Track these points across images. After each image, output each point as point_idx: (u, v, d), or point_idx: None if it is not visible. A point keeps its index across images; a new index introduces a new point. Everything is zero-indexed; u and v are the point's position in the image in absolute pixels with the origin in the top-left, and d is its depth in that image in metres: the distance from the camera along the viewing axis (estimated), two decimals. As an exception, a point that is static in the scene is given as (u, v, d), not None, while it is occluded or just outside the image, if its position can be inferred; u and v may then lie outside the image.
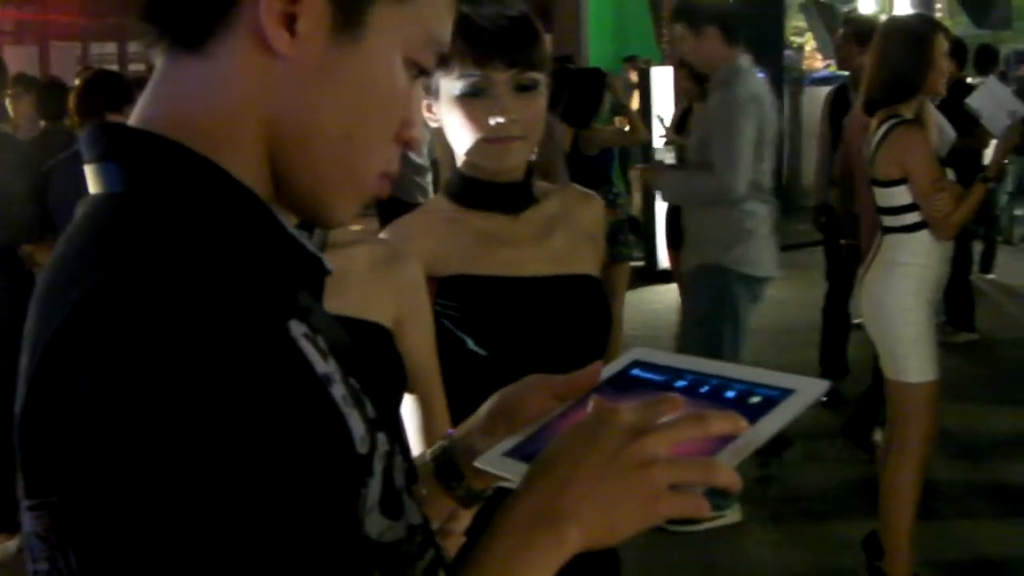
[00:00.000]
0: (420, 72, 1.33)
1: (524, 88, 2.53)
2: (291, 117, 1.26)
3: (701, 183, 6.19)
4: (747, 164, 6.02)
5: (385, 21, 1.27)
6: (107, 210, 1.23)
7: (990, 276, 12.25)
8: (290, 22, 1.22)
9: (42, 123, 9.04)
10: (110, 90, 6.54)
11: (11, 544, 5.91)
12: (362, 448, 1.24)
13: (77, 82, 7.06)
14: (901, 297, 5.33)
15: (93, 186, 1.27)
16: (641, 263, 13.48)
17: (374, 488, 1.25)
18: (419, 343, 2.38)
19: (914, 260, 5.33)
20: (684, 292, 9.10)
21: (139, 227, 1.18)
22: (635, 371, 1.57)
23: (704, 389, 1.47)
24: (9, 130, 8.92)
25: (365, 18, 1.25)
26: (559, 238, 2.72)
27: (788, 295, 12.42)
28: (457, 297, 2.54)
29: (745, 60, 6.27)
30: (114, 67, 16.08)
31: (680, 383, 1.50)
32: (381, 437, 1.28)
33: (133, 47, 20.81)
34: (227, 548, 1.05)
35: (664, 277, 12.57)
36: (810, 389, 1.41)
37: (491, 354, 2.54)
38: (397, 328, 2.31)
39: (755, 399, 1.42)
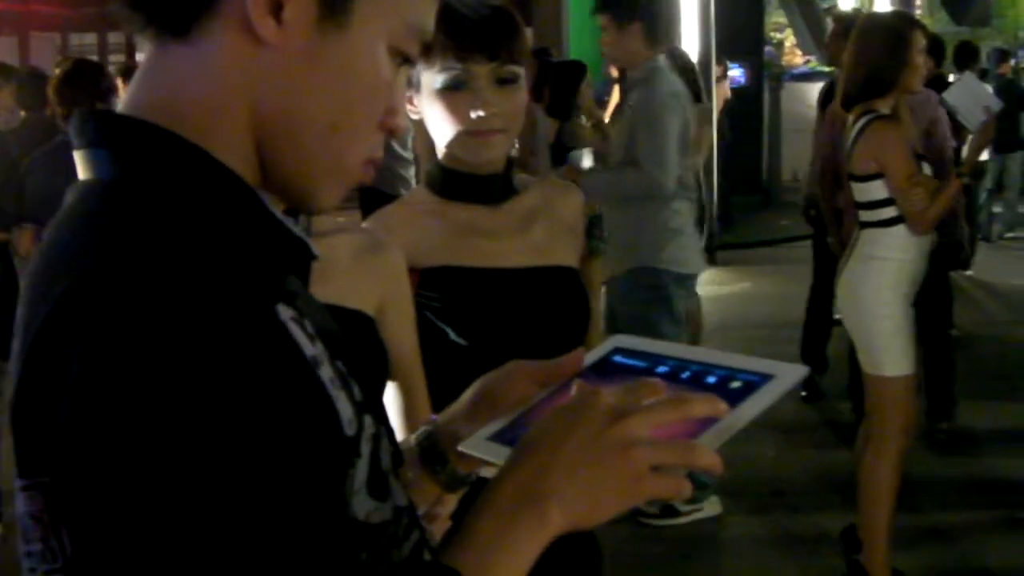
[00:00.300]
0: (404, 61, 1.35)
1: (504, 81, 2.55)
2: (277, 104, 1.27)
3: (629, 181, 6.10)
4: (674, 160, 5.98)
5: (370, 10, 1.28)
6: (96, 196, 1.24)
7: (968, 272, 12.29)
8: (276, 10, 1.23)
9: (22, 113, 9.04)
10: (92, 79, 6.54)
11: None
12: (349, 430, 1.25)
13: (56, 72, 7.05)
14: (878, 291, 5.36)
15: (82, 172, 1.28)
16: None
17: (361, 469, 1.27)
18: (401, 331, 2.40)
19: (891, 255, 5.36)
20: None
21: (128, 213, 1.19)
22: (617, 357, 1.58)
23: (685, 375, 1.48)
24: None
25: (350, 6, 1.27)
26: (539, 230, 2.74)
27: (769, 290, 12.51)
28: (438, 288, 2.55)
29: (662, 59, 6.26)
30: (94, 57, 16.05)
31: (662, 369, 1.51)
32: (368, 419, 1.30)
33: (113, 38, 20.78)
34: (216, 527, 1.07)
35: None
36: (789, 374, 1.42)
37: (472, 344, 2.56)
38: (379, 316, 2.33)
39: (736, 384, 1.43)
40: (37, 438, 1.12)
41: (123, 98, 1.31)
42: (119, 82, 8.10)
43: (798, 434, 7.43)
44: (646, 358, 1.56)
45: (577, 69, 9.37)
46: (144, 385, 1.06)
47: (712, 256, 12.18)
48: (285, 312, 1.22)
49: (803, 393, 8.02)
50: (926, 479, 6.75)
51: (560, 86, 8.77)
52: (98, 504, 1.07)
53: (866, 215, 5.46)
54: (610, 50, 6.36)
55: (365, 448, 1.29)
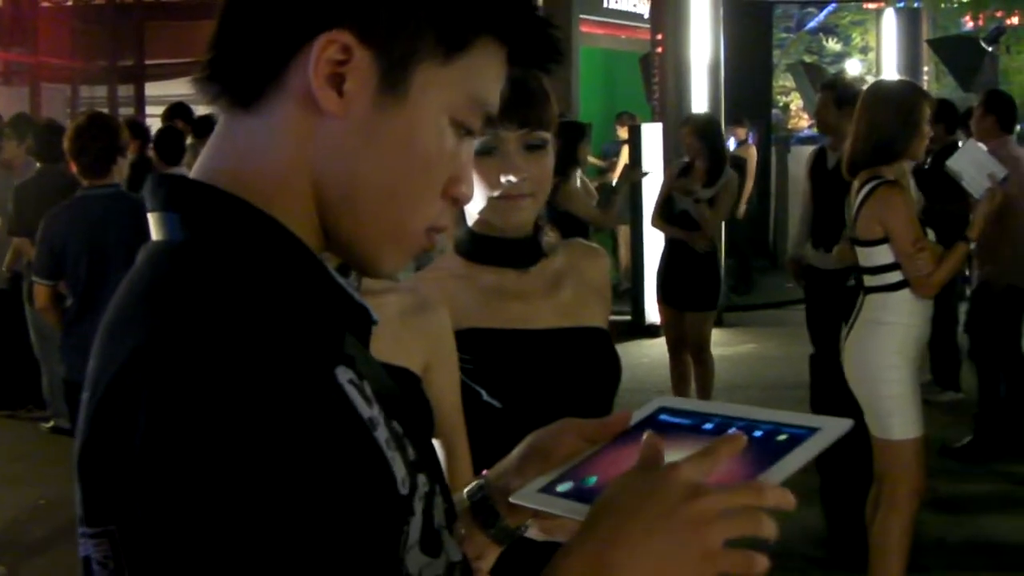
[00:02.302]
0: (467, 132, 1.38)
1: (533, 147, 2.60)
2: (338, 172, 1.32)
3: None
4: None
5: (429, 83, 1.32)
6: (167, 257, 1.30)
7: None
8: (338, 83, 1.28)
9: (37, 164, 9.09)
10: (107, 133, 6.55)
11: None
12: (403, 489, 1.29)
13: (71, 124, 7.10)
14: (885, 356, 5.40)
15: (155, 234, 1.33)
16: (628, 318, 13.54)
17: (415, 527, 1.31)
18: (445, 390, 2.44)
19: (896, 319, 5.41)
20: (680, 346, 9.20)
21: (197, 275, 1.25)
22: (663, 416, 1.61)
23: (732, 431, 1.49)
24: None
25: (409, 79, 1.31)
26: (567, 291, 2.77)
27: (776, 352, 12.52)
28: (470, 350, 2.58)
29: None
30: (104, 109, 16.14)
31: (707, 426, 1.54)
32: (422, 478, 1.34)
33: (123, 90, 20.86)
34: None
35: (650, 332, 12.62)
36: (835, 427, 1.45)
37: (504, 405, 2.59)
38: (425, 375, 2.38)
39: (782, 437, 1.45)
40: (104, 488, 1.17)
41: (196, 164, 1.36)
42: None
43: (807, 496, 7.44)
44: (692, 416, 1.58)
45: (576, 130, 9.42)
46: (209, 442, 1.11)
47: (720, 318, 12.22)
48: (344, 375, 1.27)
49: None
50: (933, 540, 6.75)
51: (559, 146, 8.82)
52: (163, 552, 1.12)
53: (871, 280, 5.51)
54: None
55: (418, 506, 1.32)
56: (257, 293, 1.24)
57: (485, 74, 1.38)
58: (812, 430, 1.45)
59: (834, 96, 7.98)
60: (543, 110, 2.61)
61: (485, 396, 2.59)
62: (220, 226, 1.29)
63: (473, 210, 2.65)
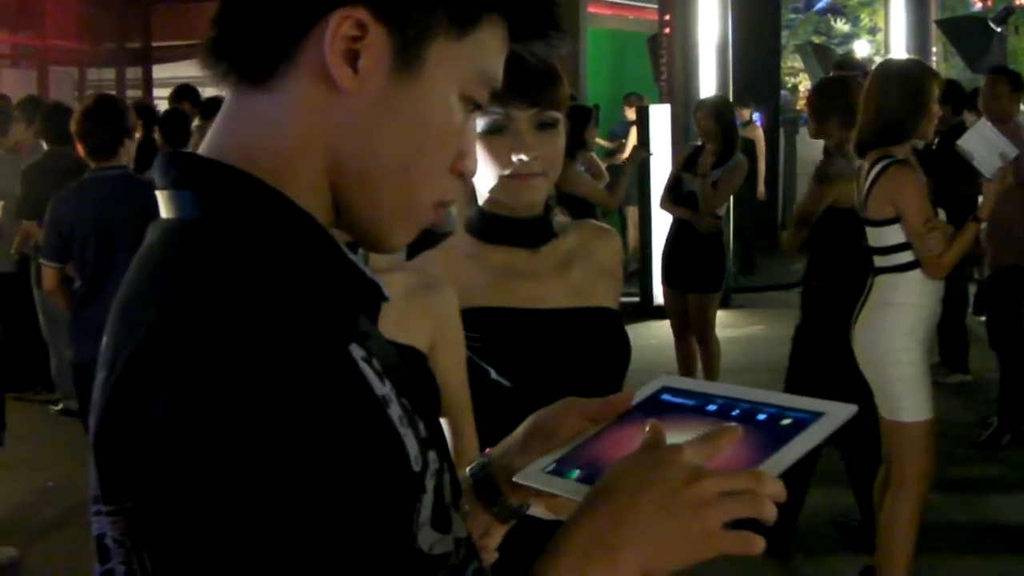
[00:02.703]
0: (475, 107, 1.40)
1: (545, 126, 2.60)
2: (352, 149, 1.33)
3: None
4: None
5: (442, 58, 1.33)
6: (180, 235, 1.30)
7: (983, 318, 12.28)
8: (353, 59, 1.29)
9: (45, 146, 9.10)
10: (114, 116, 6.54)
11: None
12: (416, 466, 1.31)
13: (78, 107, 7.10)
14: (895, 338, 5.39)
15: (165, 211, 1.34)
16: (636, 299, 13.54)
17: (427, 504, 1.32)
18: (452, 369, 2.45)
19: (907, 300, 5.39)
20: (684, 328, 9.19)
21: (212, 253, 1.25)
22: (665, 396, 1.62)
23: (735, 412, 1.51)
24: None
25: (423, 55, 1.32)
26: (577, 272, 2.78)
27: (782, 333, 12.47)
28: (479, 328, 2.59)
29: None
30: (112, 92, 16.15)
31: (711, 407, 1.55)
32: (432, 455, 1.35)
33: (131, 73, 20.86)
34: (293, 554, 1.12)
35: (659, 313, 12.60)
36: (839, 412, 1.45)
37: (513, 383, 2.60)
38: (431, 353, 2.39)
39: (786, 421, 1.46)
40: (122, 466, 1.18)
41: (204, 141, 1.37)
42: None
43: (815, 476, 7.44)
44: (695, 397, 1.59)
45: (583, 113, 9.40)
46: (227, 420, 1.12)
47: (726, 299, 12.21)
48: (357, 352, 1.28)
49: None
50: (941, 523, 6.76)
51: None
52: (180, 528, 1.13)
53: (881, 260, 5.49)
54: None
55: (430, 483, 1.34)
56: (272, 271, 1.25)
57: (491, 49, 1.39)
58: (816, 415, 1.46)
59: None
60: (555, 90, 2.61)
61: (494, 375, 2.60)
62: (233, 204, 1.29)
63: (484, 189, 2.66)
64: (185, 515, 1.12)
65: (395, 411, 1.30)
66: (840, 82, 7.02)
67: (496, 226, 2.72)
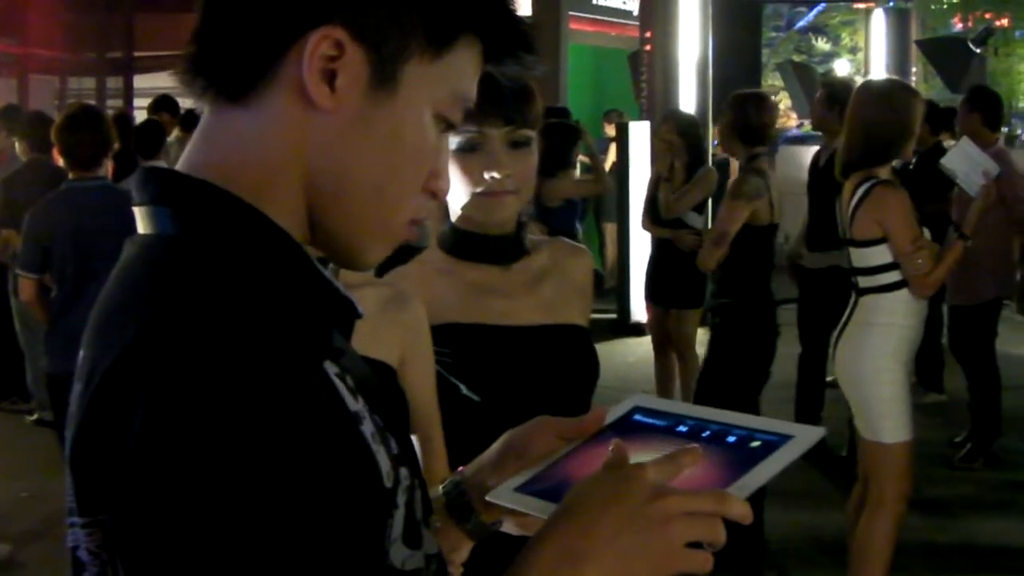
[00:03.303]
0: (448, 127, 1.41)
1: (518, 144, 2.62)
2: (328, 166, 1.34)
3: None
4: None
5: (417, 78, 1.35)
6: (158, 251, 1.31)
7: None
8: (330, 78, 1.30)
9: (26, 155, 9.08)
10: (93, 126, 6.54)
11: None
12: (388, 483, 1.32)
13: (58, 116, 7.10)
14: (877, 358, 5.41)
15: (142, 227, 1.34)
16: (614, 316, 13.55)
17: (398, 520, 1.33)
18: (421, 384, 2.45)
19: (891, 320, 5.42)
20: (665, 345, 9.22)
21: (189, 269, 1.26)
22: (637, 416, 1.63)
23: (705, 434, 1.53)
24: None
25: (399, 75, 1.34)
26: (548, 289, 2.80)
27: (760, 351, 12.51)
28: (450, 344, 2.60)
29: None
30: (92, 101, 16.13)
31: (681, 428, 1.56)
32: (404, 472, 1.36)
33: (112, 82, 20.82)
34: (266, 570, 1.13)
35: (636, 330, 12.62)
36: (807, 435, 1.47)
37: (483, 399, 2.61)
38: (400, 368, 2.39)
39: (755, 443, 1.48)
40: (99, 479, 1.18)
41: (183, 157, 1.38)
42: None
43: (788, 494, 7.45)
44: (666, 417, 1.60)
45: (569, 132, 9.41)
46: (203, 436, 1.13)
47: (703, 317, 12.23)
48: (331, 368, 1.29)
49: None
50: (914, 542, 6.77)
51: (550, 145, 8.83)
52: (156, 542, 1.14)
53: (865, 281, 5.51)
54: None
55: (401, 499, 1.34)
56: (249, 288, 1.26)
57: (466, 70, 1.41)
58: (785, 437, 1.47)
59: (827, 95, 8.04)
60: (529, 108, 2.63)
61: (464, 390, 2.61)
62: (210, 221, 1.30)
63: (457, 206, 2.67)
64: (161, 529, 1.13)
65: (368, 427, 1.30)
66: (745, 99, 7.11)
67: (468, 243, 2.74)
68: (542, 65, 1.49)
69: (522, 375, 2.67)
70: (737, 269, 6.70)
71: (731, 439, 1.50)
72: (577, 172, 11.48)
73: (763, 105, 7.04)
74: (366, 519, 1.27)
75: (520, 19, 1.46)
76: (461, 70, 1.40)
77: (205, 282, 1.24)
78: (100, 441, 1.18)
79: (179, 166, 1.36)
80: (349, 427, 1.27)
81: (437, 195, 1.43)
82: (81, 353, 1.31)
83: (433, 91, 1.37)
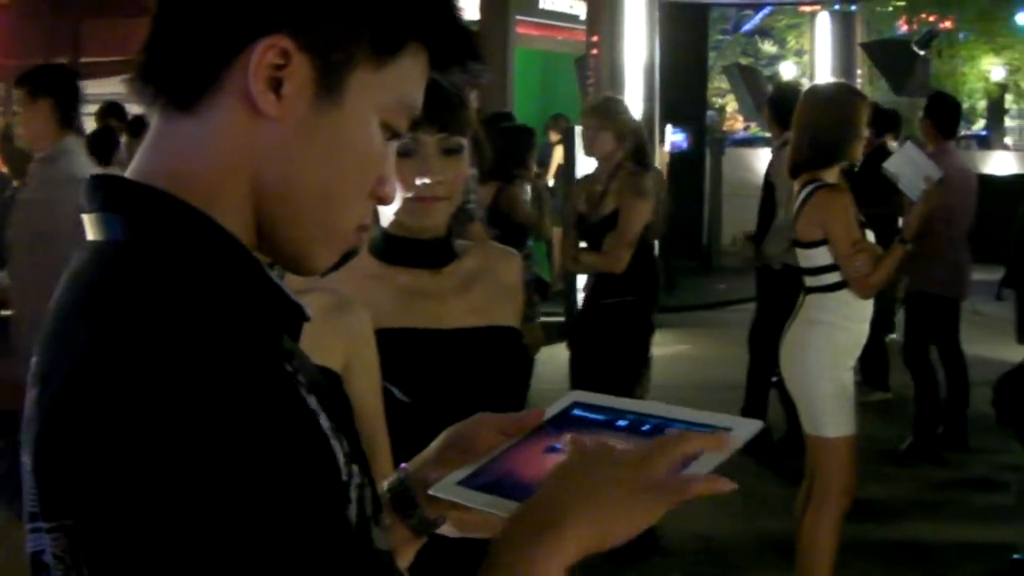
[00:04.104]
0: (393, 135, 1.44)
1: (450, 151, 2.66)
2: (275, 173, 1.36)
3: None
4: None
5: (363, 86, 1.37)
6: (109, 256, 1.32)
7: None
8: (276, 86, 1.32)
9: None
10: None
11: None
12: (344, 476, 1.36)
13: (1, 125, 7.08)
14: (821, 355, 5.48)
15: (92, 234, 1.36)
16: (561, 319, 13.56)
17: (351, 515, 1.36)
18: (366, 389, 2.46)
19: (834, 319, 5.48)
20: None
21: (143, 274, 1.28)
22: (576, 411, 1.66)
23: (645, 427, 1.56)
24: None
25: (345, 83, 1.36)
26: (479, 292, 2.83)
27: (708, 353, 12.62)
28: (383, 349, 2.60)
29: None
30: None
31: (621, 423, 1.59)
32: (355, 468, 1.40)
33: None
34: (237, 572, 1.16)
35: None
36: (746, 428, 1.50)
37: (416, 402, 2.65)
38: (345, 374, 2.40)
39: None
40: (64, 483, 1.20)
41: (132, 164, 1.39)
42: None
43: (736, 494, 7.49)
44: (605, 412, 1.64)
45: (522, 134, 9.42)
46: (170, 439, 1.15)
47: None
48: (287, 368, 1.32)
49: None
50: (857, 541, 6.83)
51: (505, 150, 8.83)
52: (122, 545, 1.15)
53: (811, 280, 5.59)
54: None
55: (353, 495, 1.38)
56: (201, 292, 1.27)
57: (412, 78, 1.43)
58: (724, 430, 1.50)
59: (771, 99, 8.15)
60: (461, 115, 2.66)
61: (398, 394, 2.64)
62: (160, 226, 1.31)
63: (388, 211, 2.70)
64: (127, 529, 1.15)
65: (325, 422, 1.34)
66: (609, 101, 7.25)
67: (399, 248, 2.77)
68: (488, 73, 1.52)
69: (454, 377, 2.70)
70: (638, 266, 6.85)
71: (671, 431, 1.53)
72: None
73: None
74: (331, 511, 1.29)
75: (467, 27, 1.48)
76: (407, 78, 1.42)
77: (158, 287, 1.26)
78: (64, 447, 1.19)
79: (129, 173, 1.38)
80: (311, 422, 1.31)
81: (383, 201, 1.45)
82: (34, 358, 1.32)
83: (379, 99, 1.39)
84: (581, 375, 6.95)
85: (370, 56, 1.37)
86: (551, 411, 1.67)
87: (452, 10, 1.46)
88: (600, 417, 1.63)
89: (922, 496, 7.98)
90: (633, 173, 6.89)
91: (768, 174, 8.70)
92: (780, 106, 8.45)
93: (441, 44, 1.44)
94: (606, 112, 6.98)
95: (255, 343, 1.28)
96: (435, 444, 1.72)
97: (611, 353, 6.88)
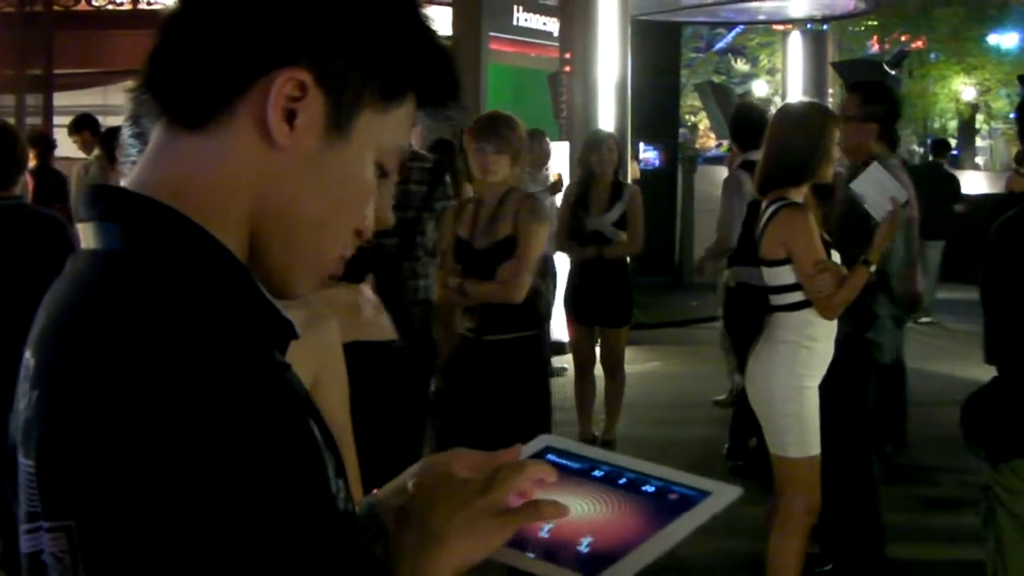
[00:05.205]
0: (382, 174, 1.50)
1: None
2: (276, 200, 1.40)
3: None
4: None
5: (368, 126, 1.43)
6: (106, 264, 1.35)
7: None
8: (290, 117, 1.36)
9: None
10: (6, 145, 6.47)
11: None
12: (332, 488, 1.39)
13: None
14: (784, 375, 5.49)
15: (89, 242, 1.38)
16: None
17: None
18: (334, 403, 2.48)
19: (797, 339, 5.49)
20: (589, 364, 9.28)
21: (139, 281, 1.30)
22: (550, 456, 1.67)
23: (622, 481, 1.57)
24: None
25: (353, 122, 1.41)
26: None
27: (679, 370, 12.62)
28: None
29: None
30: (11, 119, 15.96)
31: (597, 473, 1.60)
32: (341, 483, 1.43)
33: (31, 100, 20.63)
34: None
35: (557, 348, 12.65)
36: (725, 493, 1.53)
37: None
38: (313, 389, 2.41)
39: (673, 496, 1.52)
40: (65, 486, 1.21)
41: (132, 174, 1.42)
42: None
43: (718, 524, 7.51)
44: (578, 460, 1.64)
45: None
46: (171, 441, 1.18)
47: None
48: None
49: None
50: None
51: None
52: (122, 547, 1.18)
53: (775, 299, 5.60)
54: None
55: (340, 507, 1.41)
56: (197, 303, 1.30)
57: (406, 123, 1.50)
58: (703, 493, 1.52)
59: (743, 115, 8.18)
60: None
61: None
62: (159, 238, 1.34)
63: None
64: (129, 534, 1.17)
65: (316, 434, 1.37)
66: (502, 120, 6.55)
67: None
68: (462, 109, 1.56)
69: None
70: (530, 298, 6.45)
71: (648, 488, 1.54)
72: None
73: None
74: (328, 518, 1.34)
75: (458, 77, 1.54)
76: (403, 123, 1.48)
77: (159, 295, 1.28)
78: (67, 450, 1.21)
79: (128, 184, 1.41)
80: (306, 430, 1.34)
81: (362, 235, 1.50)
82: (26, 356, 1.35)
83: (378, 140, 1.45)
84: (461, 412, 6.44)
85: (378, 99, 1.43)
86: (525, 452, 1.68)
87: (450, 62, 1.52)
88: (575, 465, 1.64)
89: (890, 515, 7.98)
90: (528, 195, 6.52)
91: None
92: (738, 126, 8.46)
93: (433, 89, 1.51)
94: (502, 135, 6.35)
95: (250, 349, 1.31)
96: (408, 473, 1.73)
97: (510, 391, 6.34)
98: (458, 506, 1.47)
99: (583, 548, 1.46)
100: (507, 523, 1.47)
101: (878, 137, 6.96)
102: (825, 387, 5.56)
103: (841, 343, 5.65)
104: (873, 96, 7.05)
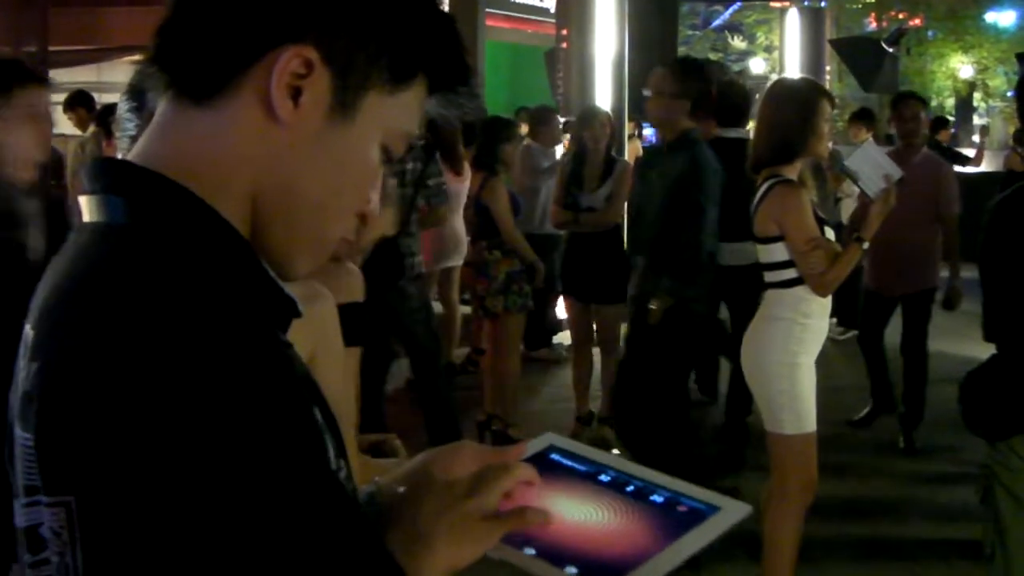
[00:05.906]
0: (388, 158, 1.48)
1: None
2: (278, 178, 1.40)
3: None
4: None
5: (374, 108, 1.42)
6: (110, 238, 1.35)
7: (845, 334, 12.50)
8: (295, 94, 1.36)
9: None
10: None
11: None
12: (334, 467, 1.39)
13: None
14: (778, 351, 5.49)
15: (92, 215, 1.38)
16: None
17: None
18: (332, 380, 2.48)
19: (791, 315, 5.49)
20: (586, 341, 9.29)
21: (143, 255, 1.30)
22: (554, 455, 1.67)
23: (630, 488, 1.56)
24: None
25: (359, 103, 1.41)
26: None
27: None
28: None
29: None
30: None
31: (604, 477, 1.59)
32: (342, 463, 1.43)
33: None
34: (238, 560, 1.19)
35: (556, 326, 12.60)
36: (735, 510, 1.51)
37: None
38: (310, 364, 2.41)
39: (682, 508, 1.51)
40: (65, 461, 1.22)
41: (136, 147, 1.42)
42: None
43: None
44: (583, 462, 1.64)
45: (501, 126, 9.39)
46: (172, 417, 1.18)
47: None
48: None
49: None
50: (828, 538, 6.85)
51: (486, 141, 8.82)
52: (121, 524, 1.18)
53: (769, 276, 5.61)
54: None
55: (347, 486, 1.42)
56: (201, 277, 1.30)
57: (415, 108, 1.49)
58: (713, 508, 1.51)
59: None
60: None
61: None
62: (163, 212, 1.34)
63: None
64: (128, 511, 1.17)
65: (316, 415, 1.37)
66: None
67: None
68: (474, 98, 1.55)
69: None
70: None
71: (657, 499, 1.53)
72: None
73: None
74: (332, 490, 1.34)
75: (468, 62, 1.53)
76: (412, 108, 1.47)
77: (161, 268, 1.28)
78: (66, 424, 1.21)
79: (133, 157, 1.41)
80: (306, 407, 1.34)
81: (365, 220, 1.50)
82: (26, 329, 1.35)
83: (385, 123, 1.45)
84: None
85: (386, 80, 1.42)
86: (530, 450, 1.67)
87: (461, 46, 1.51)
88: (580, 467, 1.63)
89: (888, 492, 8.00)
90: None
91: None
92: (719, 103, 8.39)
93: (443, 74, 1.49)
94: None
95: (252, 325, 1.30)
96: (411, 464, 1.73)
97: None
98: (445, 509, 1.49)
99: (589, 555, 1.45)
100: (493, 528, 1.48)
101: (689, 114, 7.13)
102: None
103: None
104: (687, 73, 7.16)
